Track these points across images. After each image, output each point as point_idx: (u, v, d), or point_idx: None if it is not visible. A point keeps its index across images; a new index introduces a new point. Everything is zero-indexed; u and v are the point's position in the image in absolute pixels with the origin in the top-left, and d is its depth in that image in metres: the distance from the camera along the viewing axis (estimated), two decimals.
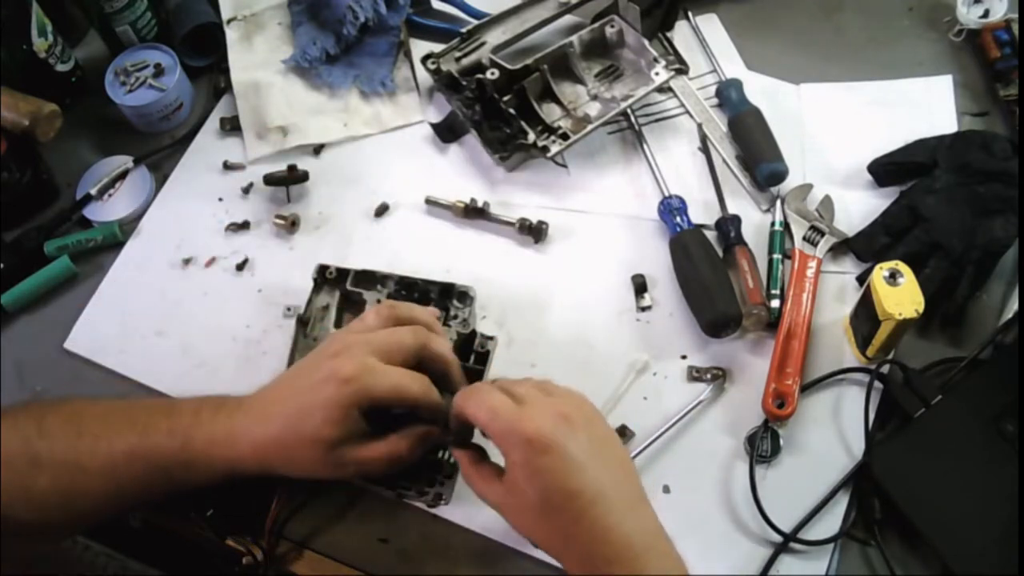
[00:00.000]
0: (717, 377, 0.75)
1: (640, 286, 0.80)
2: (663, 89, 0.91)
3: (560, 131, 0.86)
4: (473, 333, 0.74)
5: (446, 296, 0.75)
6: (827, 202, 0.83)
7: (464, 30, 0.93)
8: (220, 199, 0.89)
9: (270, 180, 0.86)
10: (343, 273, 0.78)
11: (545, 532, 0.53)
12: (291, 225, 0.85)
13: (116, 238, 0.86)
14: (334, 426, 0.57)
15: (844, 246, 0.81)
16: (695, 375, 0.75)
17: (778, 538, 0.68)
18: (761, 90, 0.90)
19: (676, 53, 0.94)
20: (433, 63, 0.92)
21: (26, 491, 0.57)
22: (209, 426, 0.59)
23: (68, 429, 0.59)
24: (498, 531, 0.69)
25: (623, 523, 0.52)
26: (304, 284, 0.79)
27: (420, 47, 0.95)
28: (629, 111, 0.89)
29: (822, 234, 0.81)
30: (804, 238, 0.81)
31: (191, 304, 0.82)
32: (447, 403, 0.61)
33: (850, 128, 0.88)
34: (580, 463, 0.52)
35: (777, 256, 0.80)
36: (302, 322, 0.77)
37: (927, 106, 0.89)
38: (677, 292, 0.79)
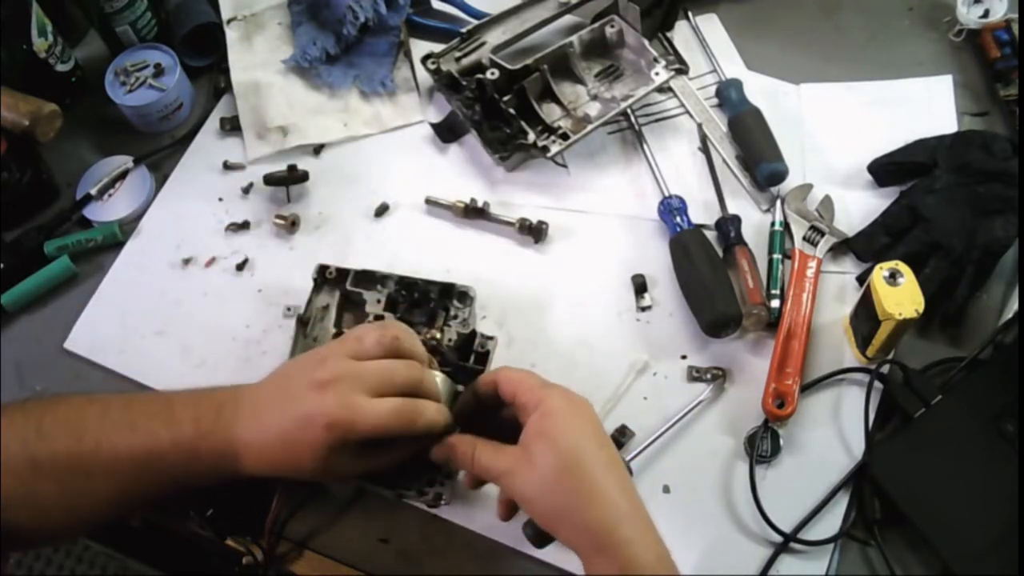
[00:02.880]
0: (717, 377, 0.75)
1: (640, 286, 0.80)
2: (663, 89, 0.91)
3: (560, 131, 0.86)
4: (473, 333, 0.74)
5: (446, 296, 0.75)
6: (827, 202, 0.83)
7: (464, 30, 0.93)
8: (220, 199, 0.89)
9: (270, 180, 0.86)
10: (343, 273, 0.78)
11: (552, 497, 0.54)
12: (291, 225, 0.85)
13: (116, 238, 0.86)
14: (323, 460, 0.57)
15: (844, 246, 0.81)
16: (695, 375, 0.75)
17: (778, 538, 0.68)
18: (761, 90, 0.90)
19: (676, 53, 0.94)
20: (433, 63, 0.92)
21: (28, 495, 0.57)
22: (212, 437, 0.58)
23: (68, 433, 0.58)
24: (498, 531, 0.70)
25: (626, 504, 0.54)
26: (304, 284, 0.79)
27: (420, 47, 0.95)
28: (629, 111, 0.89)
29: (822, 234, 0.81)
30: (804, 238, 0.81)
31: (191, 304, 0.82)
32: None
33: (850, 128, 0.88)
34: (600, 432, 0.58)
35: (777, 256, 0.80)
36: (302, 322, 0.77)
37: (927, 106, 0.89)
38: (677, 292, 0.79)
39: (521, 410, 0.58)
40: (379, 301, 0.76)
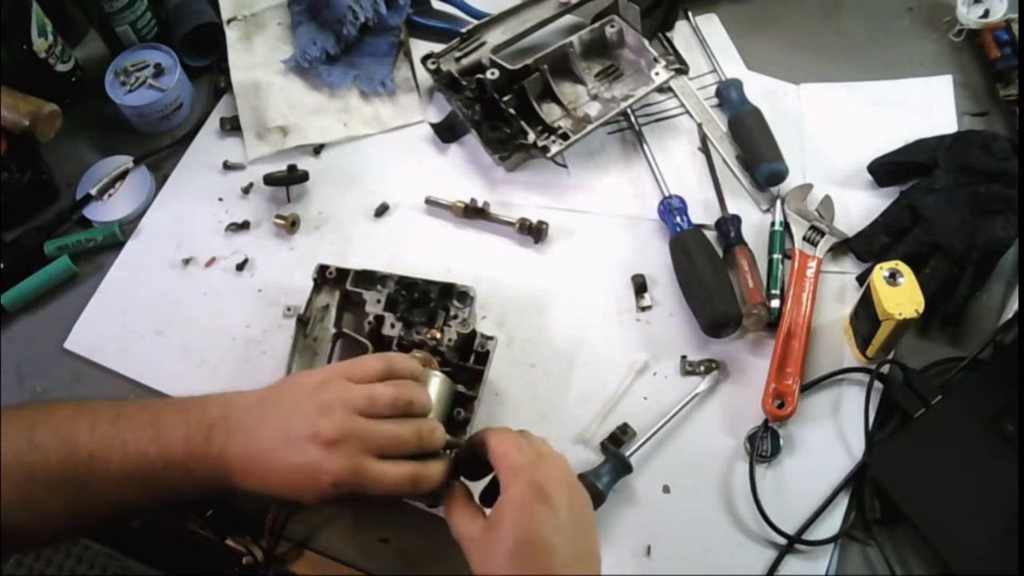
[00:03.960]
0: (711, 369, 0.75)
1: (640, 286, 0.80)
2: (663, 89, 0.91)
3: (560, 131, 0.86)
4: (473, 333, 0.74)
5: (446, 296, 0.75)
6: (827, 202, 0.83)
7: (464, 30, 0.93)
8: (220, 199, 0.89)
9: (270, 180, 0.86)
10: (343, 273, 0.78)
11: None
12: (291, 225, 0.85)
13: (116, 238, 0.86)
14: (322, 502, 0.57)
15: (844, 246, 0.81)
16: (688, 369, 0.75)
17: (777, 538, 0.68)
18: (761, 90, 0.90)
19: (676, 53, 0.94)
20: (433, 63, 0.92)
21: (26, 502, 0.56)
22: (205, 461, 0.57)
23: (61, 443, 0.57)
24: None
25: None
26: (304, 284, 0.79)
27: (420, 47, 0.95)
28: (629, 111, 0.89)
29: (822, 234, 0.81)
30: (804, 238, 0.81)
31: (191, 304, 0.82)
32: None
33: (850, 128, 0.88)
34: (568, 528, 0.54)
35: (777, 256, 0.80)
36: (302, 322, 0.77)
37: (927, 106, 0.89)
38: (677, 292, 0.79)
39: (501, 481, 0.56)
40: (379, 301, 0.76)
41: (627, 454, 0.70)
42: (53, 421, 0.59)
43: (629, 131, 0.90)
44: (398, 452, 0.57)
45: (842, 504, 0.69)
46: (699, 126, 0.89)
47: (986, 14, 0.90)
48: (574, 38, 0.90)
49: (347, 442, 0.55)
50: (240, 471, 0.57)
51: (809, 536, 0.68)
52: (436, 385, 0.65)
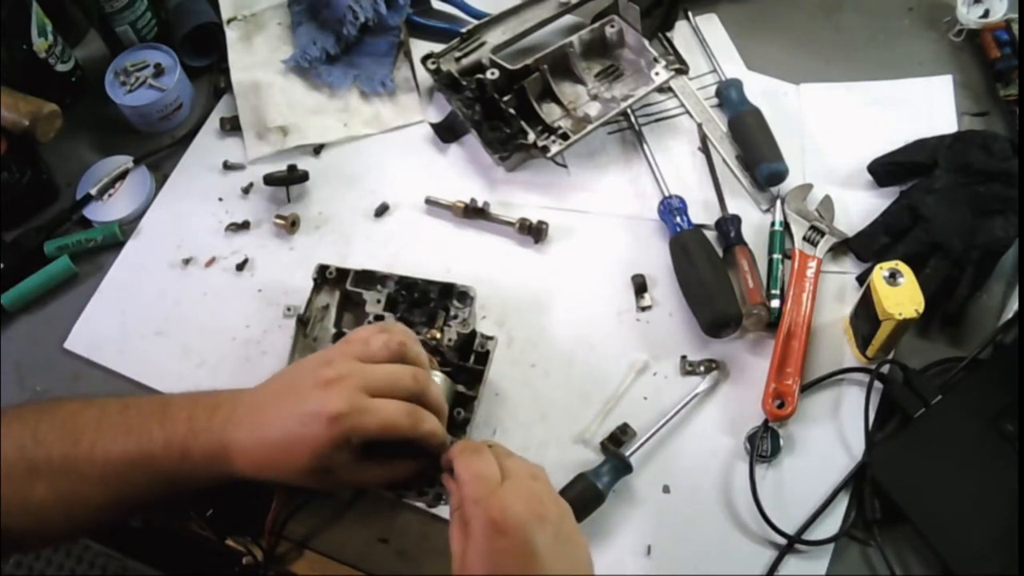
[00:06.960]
0: (711, 369, 0.75)
1: (640, 286, 0.80)
2: (663, 89, 0.91)
3: (560, 131, 0.86)
4: (473, 333, 0.74)
5: (446, 296, 0.75)
6: (827, 202, 0.83)
7: (464, 30, 0.93)
8: (220, 199, 0.89)
9: (270, 180, 0.86)
10: (343, 273, 0.78)
11: None
12: (291, 225, 0.85)
13: (116, 238, 0.86)
14: (323, 459, 0.57)
15: (844, 246, 0.81)
16: (688, 368, 0.75)
17: (777, 538, 0.68)
18: (761, 90, 0.90)
19: (676, 53, 0.95)
20: (433, 63, 0.92)
21: (25, 500, 0.57)
22: (205, 436, 0.58)
23: (64, 437, 0.58)
24: None
25: None
26: (304, 284, 0.79)
27: (420, 47, 0.95)
28: (629, 111, 0.89)
29: (822, 234, 0.81)
30: (804, 238, 0.81)
31: (191, 304, 0.82)
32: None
33: (850, 128, 0.88)
34: (539, 554, 0.52)
35: (777, 256, 0.80)
36: (302, 322, 0.77)
37: (927, 106, 0.89)
38: (677, 292, 0.79)
39: (464, 512, 0.55)
40: (379, 301, 0.76)
41: (627, 454, 0.70)
42: (59, 416, 0.60)
43: (629, 131, 0.90)
44: (396, 391, 0.58)
45: (842, 504, 0.69)
46: (699, 126, 0.89)
47: (986, 14, 0.90)
48: (574, 38, 0.90)
49: (345, 380, 0.57)
50: (239, 446, 0.58)
51: (809, 536, 0.68)
52: (436, 385, 0.65)
